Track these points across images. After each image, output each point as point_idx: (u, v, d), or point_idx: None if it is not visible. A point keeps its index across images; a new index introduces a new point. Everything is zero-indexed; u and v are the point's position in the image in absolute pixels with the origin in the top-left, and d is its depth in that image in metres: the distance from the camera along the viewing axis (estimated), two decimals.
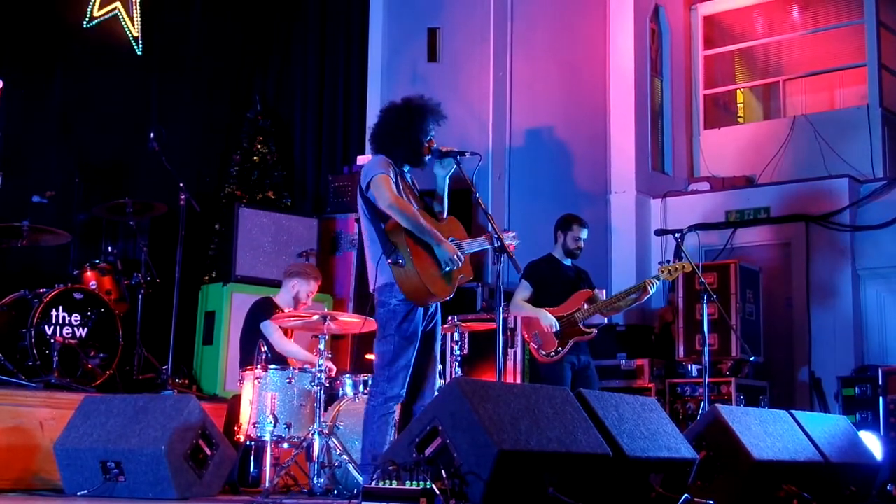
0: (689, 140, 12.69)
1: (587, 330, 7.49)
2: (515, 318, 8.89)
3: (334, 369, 7.48)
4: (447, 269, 5.62)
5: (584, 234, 7.73)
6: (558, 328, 7.42)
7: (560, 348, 7.43)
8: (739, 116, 13.44)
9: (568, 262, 7.74)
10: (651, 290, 7.48)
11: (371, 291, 5.73)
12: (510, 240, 5.88)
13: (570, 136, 11.62)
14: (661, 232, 8.69)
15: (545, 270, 7.66)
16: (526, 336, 7.61)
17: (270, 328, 7.43)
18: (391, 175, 5.62)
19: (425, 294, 5.55)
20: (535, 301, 7.59)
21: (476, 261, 6.47)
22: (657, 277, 7.54)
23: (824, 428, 6.73)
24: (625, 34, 11.99)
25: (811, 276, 10.67)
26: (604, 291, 7.85)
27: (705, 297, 7.62)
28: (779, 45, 13.08)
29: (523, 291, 7.62)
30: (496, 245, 5.70)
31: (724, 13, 13.07)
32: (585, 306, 7.51)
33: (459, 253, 5.65)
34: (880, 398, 8.53)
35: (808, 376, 10.38)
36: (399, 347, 5.59)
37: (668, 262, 7.72)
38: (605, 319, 7.86)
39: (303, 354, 7.48)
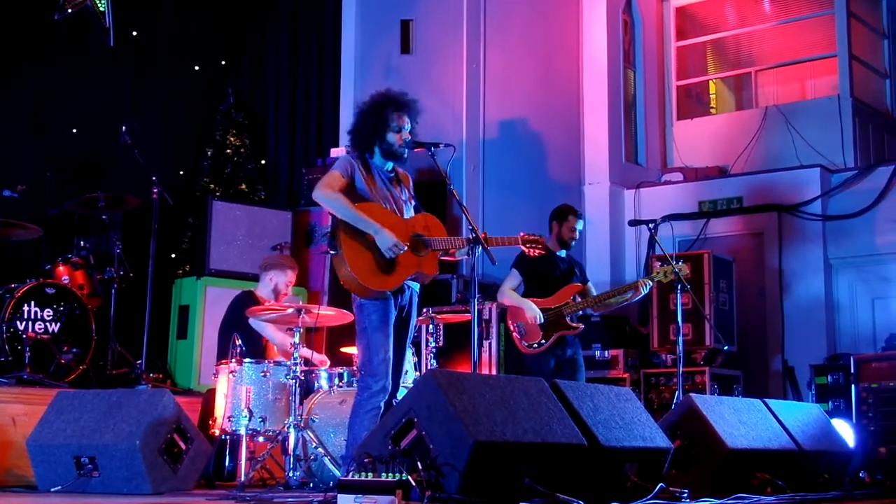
0: (662, 131, 12.73)
1: (574, 325, 7.46)
2: (491, 309, 8.89)
3: (327, 362, 7.52)
4: (389, 256, 5.61)
5: (580, 224, 7.72)
6: (543, 320, 7.39)
7: (543, 340, 7.39)
8: (712, 107, 13.50)
9: (562, 253, 7.69)
10: (643, 291, 7.43)
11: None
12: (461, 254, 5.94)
13: (543, 127, 11.64)
14: (634, 223, 8.71)
15: (537, 260, 7.44)
16: (510, 325, 7.57)
17: (261, 323, 7.41)
18: (346, 172, 5.72)
19: (357, 285, 5.59)
20: (525, 291, 7.57)
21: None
22: (651, 278, 7.52)
23: (797, 416, 6.77)
24: (597, 25, 12.01)
25: (784, 265, 10.73)
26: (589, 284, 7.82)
27: (679, 287, 7.62)
28: (750, 36, 13.14)
29: (512, 280, 7.60)
30: (471, 237, 5.71)
31: (695, 4, 13.12)
32: (576, 300, 7.49)
33: (400, 242, 5.61)
34: (852, 386, 8.57)
35: (781, 365, 10.45)
36: (371, 341, 5.62)
37: (664, 263, 7.69)
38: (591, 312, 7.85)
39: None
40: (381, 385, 5.60)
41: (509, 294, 7.57)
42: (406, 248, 5.63)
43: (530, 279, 7.58)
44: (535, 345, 7.41)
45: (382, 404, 5.60)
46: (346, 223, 5.61)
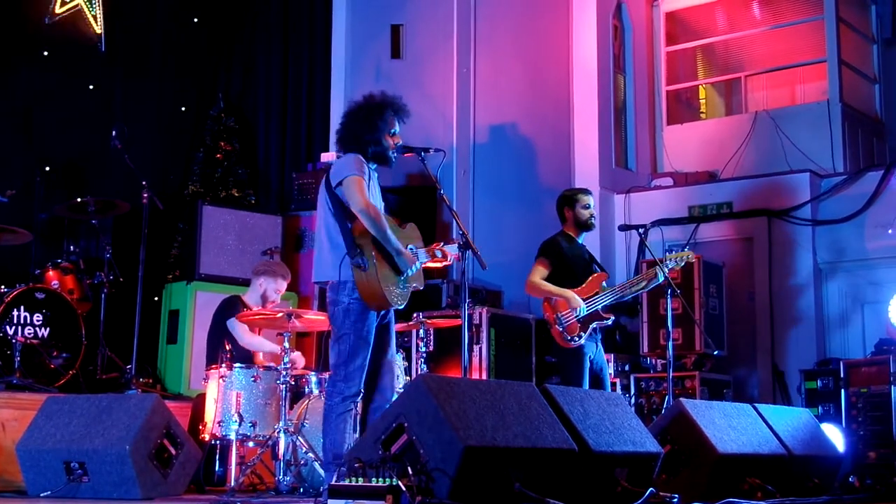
0: (651, 136, 12.74)
1: (606, 315, 7.00)
2: (481, 314, 8.88)
3: (301, 362, 7.50)
4: (404, 277, 5.64)
5: (591, 200, 7.32)
6: (585, 313, 6.91)
7: (583, 333, 6.93)
8: (702, 112, 13.51)
9: (581, 238, 7.27)
10: (659, 277, 7.15)
11: (315, 282, 5.83)
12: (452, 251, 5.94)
13: (533, 132, 11.64)
14: (624, 227, 8.70)
15: (564, 247, 7.12)
16: (550, 317, 6.99)
17: (235, 324, 7.40)
18: (365, 177, 5.62)
19: (382, 301, 5.59)
20: (554, 281, 7.04)
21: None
22: (666, 264, 7.19)
23: (787, 421, 6.79)
24: (588, 31, 12.01)
25: (773, 270, 10.74)
26: None
27: (669, 291, 7.54)
28: (740, 41, 13.15)
29: (542, 270, 7.04)
30: (461, 242, 5.72)
31: (685, 9, 13.13)
32: (604, 288, 7.05)
33: (417, 263, 5.68)
34: (842, 391, 8.60)
35: (770, 369, 10.46)
36: (354, 346, 5.60)
37: (676, 249, 7.51)
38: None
39: (269, 346, 7.46)
40: (355, 390, 5.60)
41: (544, 285, 7.00)
42: (419, 266, 5.69)
43: (560, 268, 7.06)
44: (576, 338, 6.91)
45: (354, 406, 5.60)
46: (375, 238, 5.56)
